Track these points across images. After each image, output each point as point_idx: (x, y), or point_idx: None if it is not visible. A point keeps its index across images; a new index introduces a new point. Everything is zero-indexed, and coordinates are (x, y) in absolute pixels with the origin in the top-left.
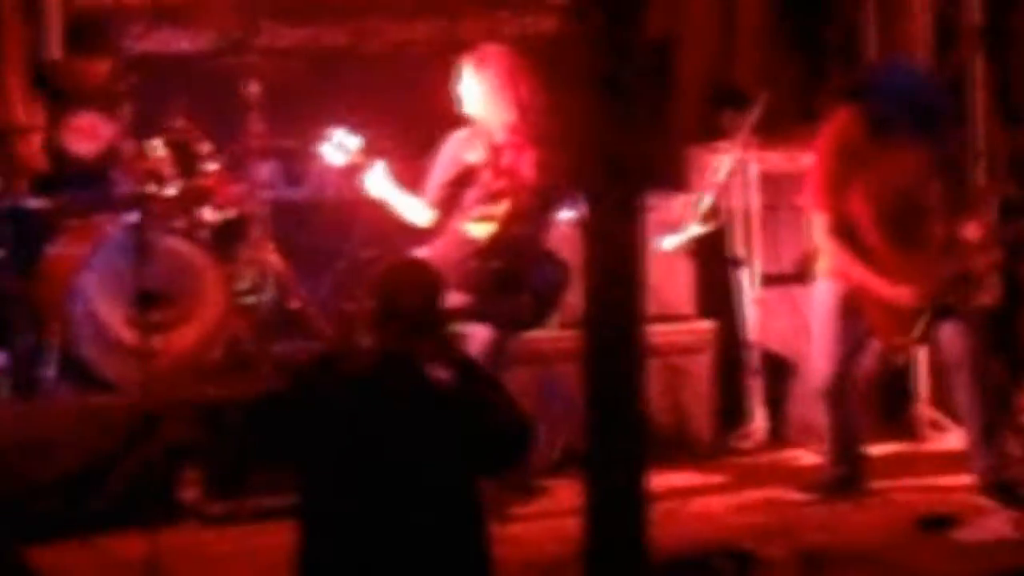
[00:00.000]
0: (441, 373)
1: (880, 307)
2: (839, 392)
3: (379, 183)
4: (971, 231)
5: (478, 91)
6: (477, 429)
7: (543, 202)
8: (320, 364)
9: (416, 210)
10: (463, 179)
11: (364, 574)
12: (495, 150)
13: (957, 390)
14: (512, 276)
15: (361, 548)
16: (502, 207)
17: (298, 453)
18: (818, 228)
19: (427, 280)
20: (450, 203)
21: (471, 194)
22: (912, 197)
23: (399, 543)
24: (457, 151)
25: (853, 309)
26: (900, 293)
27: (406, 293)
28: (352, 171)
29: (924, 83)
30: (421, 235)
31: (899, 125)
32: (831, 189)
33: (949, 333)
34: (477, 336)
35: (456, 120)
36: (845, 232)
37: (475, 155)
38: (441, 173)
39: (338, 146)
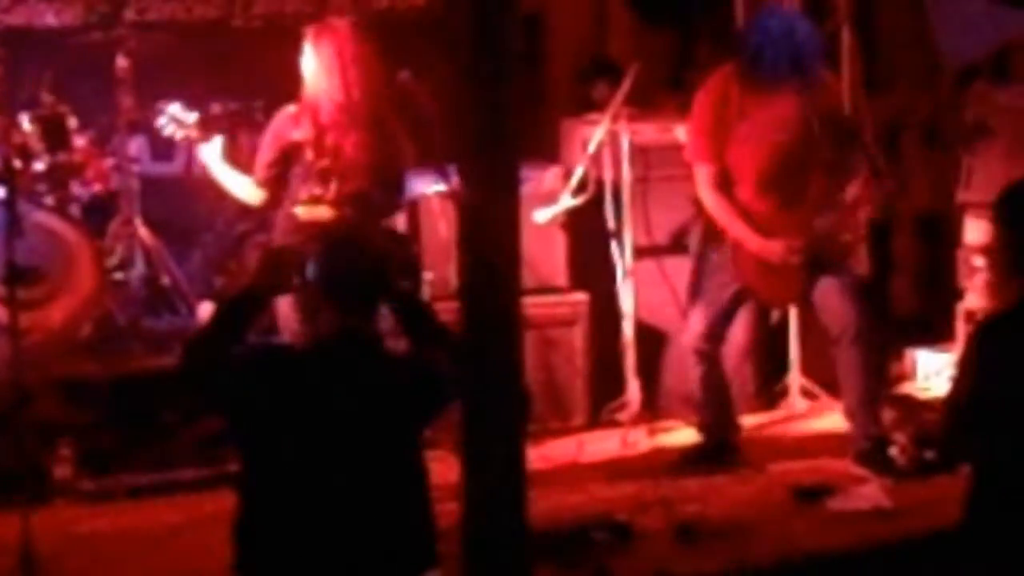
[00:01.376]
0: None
1: (755, 263)
2: (710, 353)
3: (213, 159)
4: (850, 192)
5: (311, 66)
6: (432, 399)
7: (378, 184)
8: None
9: (246, 188)
10: (289, 157)
11: (311, 543)
12: (319, 128)
13: (837, 358)
14: None
15: (310, 518)
16: (331, 189)
17: (243, 420)
18: (699, 180)
19: (370, 250)
20: (277, 182)
21: (296, 173)
22: (792, 152)
23: (349, 512)
24: (282, 128)
25: (728, 268)
26: (772, 248)
27: (351, 267)
28: (189, 145)
29: (794, 25)
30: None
31: (772, 70)
32: (710, 141)
33: (831, 301)
34: None
35: None
36: (724, 185)
37: (300, 133)
38: (266, 151)
39: (172, 120)
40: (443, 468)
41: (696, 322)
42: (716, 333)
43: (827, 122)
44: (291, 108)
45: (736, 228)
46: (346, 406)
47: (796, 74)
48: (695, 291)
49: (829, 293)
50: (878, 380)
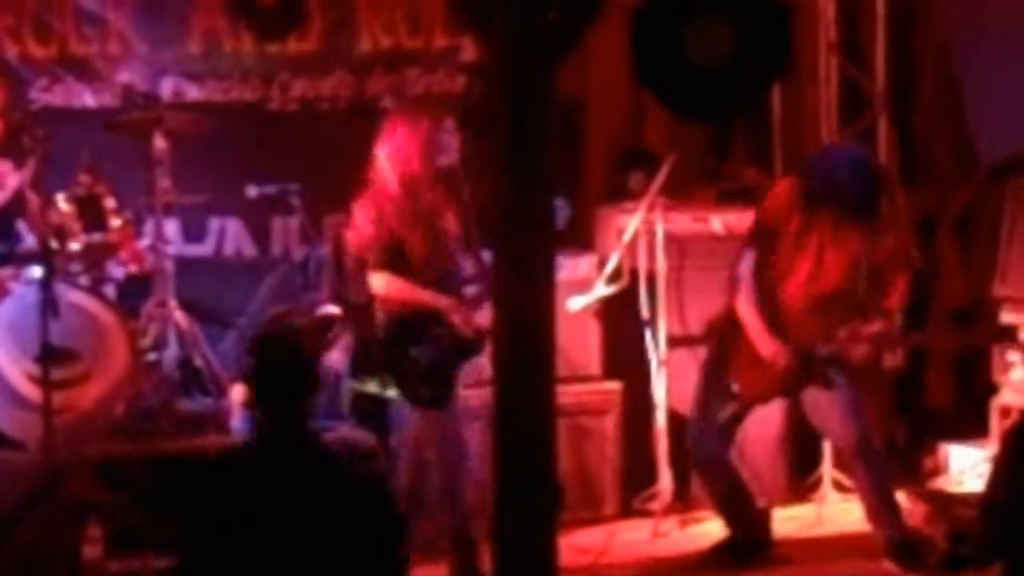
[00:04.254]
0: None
1: (749, 353)
2: (701, 448)
3: None
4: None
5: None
6: (377, 508)
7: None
8: (212, 469)
9: None
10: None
11: None
12: None
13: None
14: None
15: None
16: None
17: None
18: (746, 263)
19: (293, 348)
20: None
21: None
22: (838, 286)
23: None
24: None
25: (722, 362)
26: (768, 344)
27: (278, 366)
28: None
29: (860, 175)
30: None
31: (830, 206)
32: (761, 233)
33: (828, 418)
34: None
35: (360, 176)
36: (761, 276)
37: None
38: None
39: None
40: None
41: (698, 427)
42: (703, 425)
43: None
44: None
45: (749, 314)
46: (277, 507)
47: (853, 217)
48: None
49: (824, 410)
50: (888, 482)
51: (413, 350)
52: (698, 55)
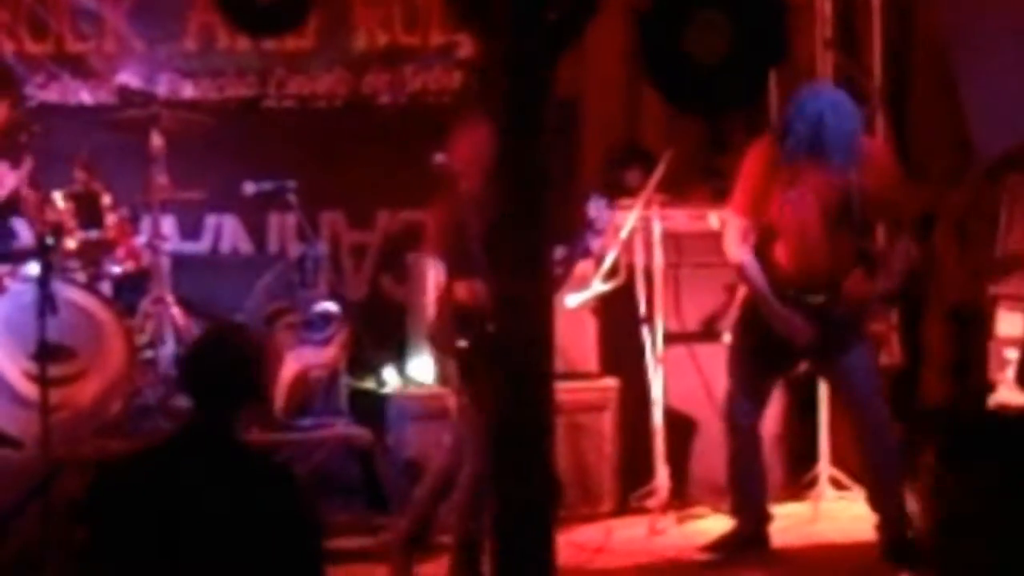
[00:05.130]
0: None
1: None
2: (744, 427)
3: None
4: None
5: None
6: (291, 508)
7: None
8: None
9: None
10: None
11: None
12: None
13: (858, 452)
14: None
15: None
16: None
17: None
18: (727, 230)
19: (234, 345)
20: None
21: None
22: (826, 225)
23: None
24: None
25: (756, 349)
26: (793, 326)
27: (209, 358)
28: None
29: (823, 115)
30: None
31: (791, 152)
32: (747, 197)
33: (847, 396)
34: None
35: (361, 173)
36: (757, 244)
37: None
38: None
39: None
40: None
41: (730, 394)
42: (750, 405)
43: (871, 203)
44: None
45: (759, 285)
46: (186, 502)
47: (815, 158)
48: (730, 364)
49: (846, 378)
50: (900, 473)
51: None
52: (697, 49)
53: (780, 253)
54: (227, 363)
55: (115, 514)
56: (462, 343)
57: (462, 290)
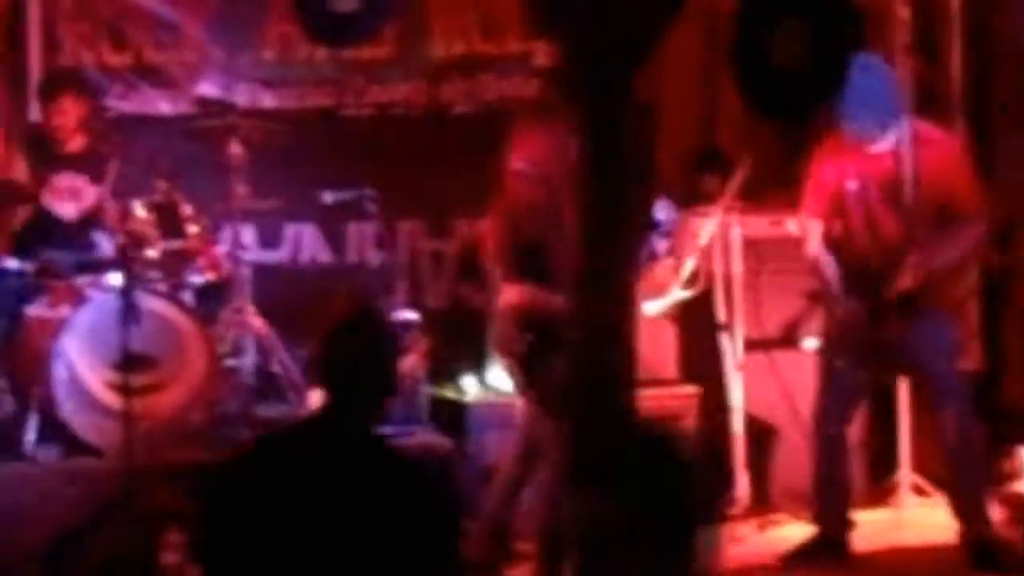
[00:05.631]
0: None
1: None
2: (831, 435)
3: None
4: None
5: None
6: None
7: None
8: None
9: None
10: None
11: None
12: None
13: (942, 456)
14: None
15: None
16: None
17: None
18: (810, 238)
19: (379, 329)
20: None
21: None
22: (888, 205)
23: None
24: None
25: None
26: (851, 312)
27: (348, 345)
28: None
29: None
30: None
31: (857, 127)
32: (818, 198)
33: (931, 400)
34: None
35: (439, 182)
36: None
37: None
38: None
39: None
40: None
41: (819, 401)
42: (840, 412)
43: (926, 189)
44: None
45: (825, 277)
46: (317, 500)
47: (879, 128)
48: (821, 371)
49: (929, 382)
50: (983, 477)
51: (554, 359)
52: (780, 55)
53: (854, 246)
54: (372, 348)
55: (242, 513)
56: (521, 345)
57: (512, 293)
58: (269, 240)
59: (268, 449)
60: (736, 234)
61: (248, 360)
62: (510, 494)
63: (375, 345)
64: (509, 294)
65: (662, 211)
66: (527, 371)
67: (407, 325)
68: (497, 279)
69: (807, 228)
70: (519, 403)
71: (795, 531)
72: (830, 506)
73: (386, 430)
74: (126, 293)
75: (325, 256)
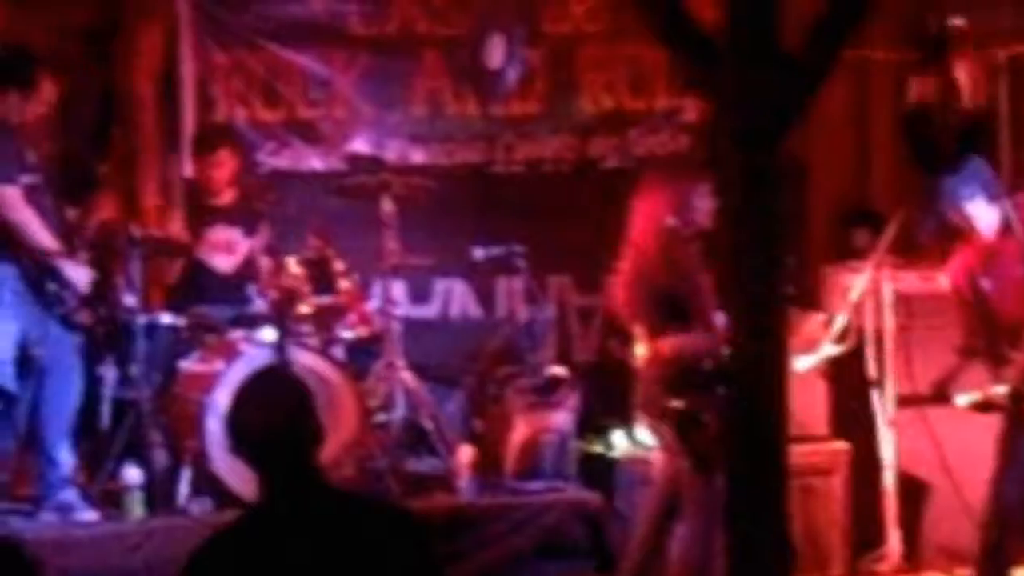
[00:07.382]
0: None
1: None
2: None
3: None
4: None
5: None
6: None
7: None
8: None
9: None
10: None
11: None
12: None
13: None
14: None
15: None
16: None
17: None
18: None
19: (290, 386)
20: None
21: None
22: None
23: None
24: None
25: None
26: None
27: (261, 411)
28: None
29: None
30: None
31: None
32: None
33: None
34: None
35: (588, 237)
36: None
37: None
38: None
39: None
40: None
41: (999, 463)
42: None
43: None
44: None
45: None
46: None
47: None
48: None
49: None
50: None
51: (703, 415)
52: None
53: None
54: (293, 407)
55: None
56: (676, 403)
57: (666, 347)
58: (419, 296)
59: (237, 538)
60: (887, 289)
61: (398, 415)
62: (650, 551)
63: (279, 406)
64: (664, 348)
65: None
66: (681, 431)
67: (557, 380)
68: (639, 336)
69: None
70: (656, 460)
71: None
72: (993, 565)
73: (535, 485)
74: (279, 348)
75: (475, 311)
